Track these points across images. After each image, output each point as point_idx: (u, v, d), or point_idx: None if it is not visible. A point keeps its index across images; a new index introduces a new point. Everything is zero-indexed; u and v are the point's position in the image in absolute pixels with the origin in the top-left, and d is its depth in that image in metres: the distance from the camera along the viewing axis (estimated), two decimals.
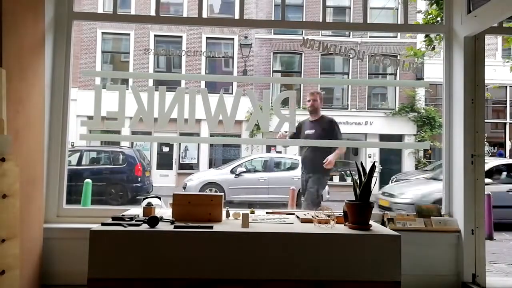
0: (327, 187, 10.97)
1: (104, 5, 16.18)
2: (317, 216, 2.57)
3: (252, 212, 2.83)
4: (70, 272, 2.94)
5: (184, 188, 10.71)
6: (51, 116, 3.15)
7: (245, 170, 11.13)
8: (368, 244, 2.29)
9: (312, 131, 3.59)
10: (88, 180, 7.81)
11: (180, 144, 16.11)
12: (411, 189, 8.26)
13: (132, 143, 12.84)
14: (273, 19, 15.69)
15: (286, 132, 3.34)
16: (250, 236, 2.28)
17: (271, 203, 9.89)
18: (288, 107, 3.17)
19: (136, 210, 2.81)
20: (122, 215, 2.54)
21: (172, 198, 2.59)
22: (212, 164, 15.71)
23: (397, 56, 14.98)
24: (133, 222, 2.38)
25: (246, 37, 16.00)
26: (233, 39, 16.52)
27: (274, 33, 16.66)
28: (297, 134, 3.58)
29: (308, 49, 3.44)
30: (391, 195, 8.12)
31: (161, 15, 3.49)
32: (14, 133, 2.57)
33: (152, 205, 2.63)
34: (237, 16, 3.55)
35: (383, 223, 3.14)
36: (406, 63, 3.37)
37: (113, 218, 2.42)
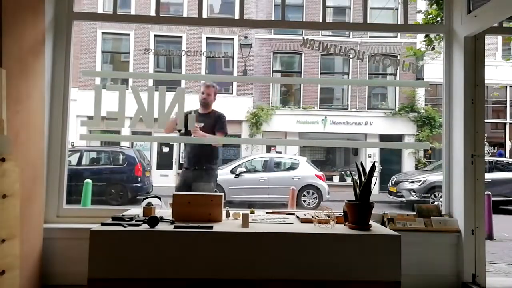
0: (326, 186, 11.04)
1: (104, 5, 16.18)
2: (317, 216, 2.57)
3: (252, 212, 2.83)
4: (70, 272, 2.93)
5: None
6: (51, 116, 3.15)
7: (245, 170, 11.14)
8: (368, 244, 2.29)
9: (202, 124, 3.48)
10: (88, 180, 7.81)
11: (180, 144, 16.10)
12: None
13: (132, 143, 12.85)
14: (273, 19, 15.69)
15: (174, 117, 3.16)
16: (250, 236, 2.28)
17: (271, 203, 9.89)
18: (288, 107, 3.14)
19: (136, 210, 2.81)
20: (122, 215, 2.54)
21: (172, 198, 2.59)
22: None
23: (397, 56, 15.00)
24: (133, 222, 2.38)
25: (246, 37, 16.00)
26: (233, 39, 16.51)
27: (274, 33, 16.66)
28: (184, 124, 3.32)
29: (308, 49, 3.44)
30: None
31: (161, 15, 3.49)
32: (14, 133, 2.57)
33: (152, 205, 2.63)
34: (237, 16, 3.55)
35: (383, 223, 3.14)
36: (406, 63, 3.36)
37: (113, 218, 2.42)
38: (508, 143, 16.39)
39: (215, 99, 3.70)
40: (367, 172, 2.47)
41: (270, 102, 16.46)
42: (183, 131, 3.29)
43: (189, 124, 3.16)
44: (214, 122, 3.65)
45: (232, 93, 16.12)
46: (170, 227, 2.31)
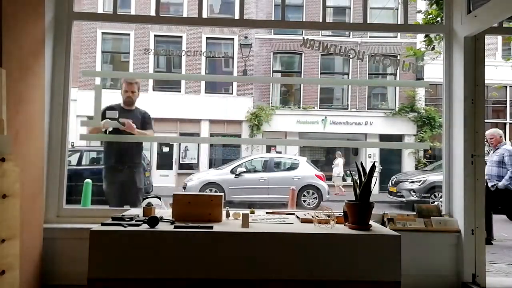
0: (326, 186, 11.04)
1: (104, 5, 16.19)
2: (317, 216, 2.57)
3: (252, 212, 2.83)
4: (70, 272, 2.93)
5: (184, 188, 10.71)
6: (51, 116, 3.14)
7: (245, 170, 11.14)
8: (368, 244, 2.29)
9: (130, 120, 3.46)
10: (88, 180, 7.79)
11: (180, 144, 16.12)
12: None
13: None
14: (273, 19, 15.70)
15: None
16: (250, 236, 2.28)
17: (271, 203, 9.89)
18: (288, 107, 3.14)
19: (136, 210, 2.81)
20: (122, 215, 2.54)
21: (172, 198, 2.59)
22: (212, 164, 15.73)
23: (397, 56, 15.00)
24: (133, 222, 2.37)
25: (246, 37, 16.01)
26: (233, 39, 16.52)
27: (274, 33, 16.68)
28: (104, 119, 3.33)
29: (308, 49, 3.44)
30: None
31: (161, 15, 3.49)
32: (14, 133, 2.57)
33: (152, 205, 2.63)
34: (237, 16, 3.55)
35: (383, 223, 3.14)
36: (406, 63, 3.36)
37: (113, 218, 2.42)
38: (508, 143, 16.38)
39: (139, 95, 3.69)
40: (367, 172, 2.47)
41: (270, 102, 16.46)
42: (111, 129, 3.28)
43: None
44: (141, 119, 3.60)
45: (232, 93, 16.11)
46: (170, 227, 2.30)
